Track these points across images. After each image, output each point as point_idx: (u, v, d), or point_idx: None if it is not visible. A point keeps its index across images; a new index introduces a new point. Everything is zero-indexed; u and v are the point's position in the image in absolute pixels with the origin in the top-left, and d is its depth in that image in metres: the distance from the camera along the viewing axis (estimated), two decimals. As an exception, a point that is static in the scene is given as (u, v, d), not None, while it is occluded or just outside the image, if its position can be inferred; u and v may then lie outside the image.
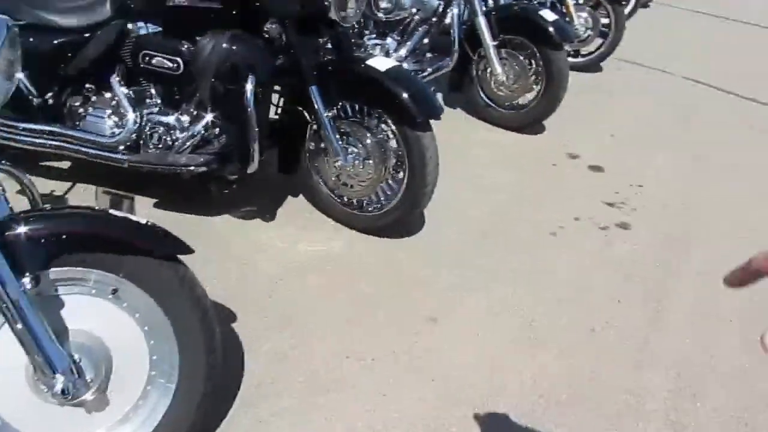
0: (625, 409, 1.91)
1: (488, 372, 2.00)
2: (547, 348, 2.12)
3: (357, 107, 2.43)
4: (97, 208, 1.55)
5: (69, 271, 1.38)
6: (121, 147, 2.42)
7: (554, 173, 3.35)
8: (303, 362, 1.94)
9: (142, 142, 2.41)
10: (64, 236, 1.36)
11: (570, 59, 4.00)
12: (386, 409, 1.82)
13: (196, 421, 1.49)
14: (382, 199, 2.53)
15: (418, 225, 2.68)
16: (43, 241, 1.34)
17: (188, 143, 2.36)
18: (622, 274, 2.55)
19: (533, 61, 3.61)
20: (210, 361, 1.49)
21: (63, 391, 1.32)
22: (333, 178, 2.56)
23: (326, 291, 2.26)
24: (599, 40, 4.82)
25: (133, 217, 1.47)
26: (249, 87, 2.19)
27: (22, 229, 1.32)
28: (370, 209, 2.56)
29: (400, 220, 2.52)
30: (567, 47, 3.73)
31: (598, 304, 2.36)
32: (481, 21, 3.53)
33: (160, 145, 2.38)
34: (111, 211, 1.49)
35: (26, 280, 1.30)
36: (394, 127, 2.38)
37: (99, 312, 1.44)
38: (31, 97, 2.43)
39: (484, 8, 3.58)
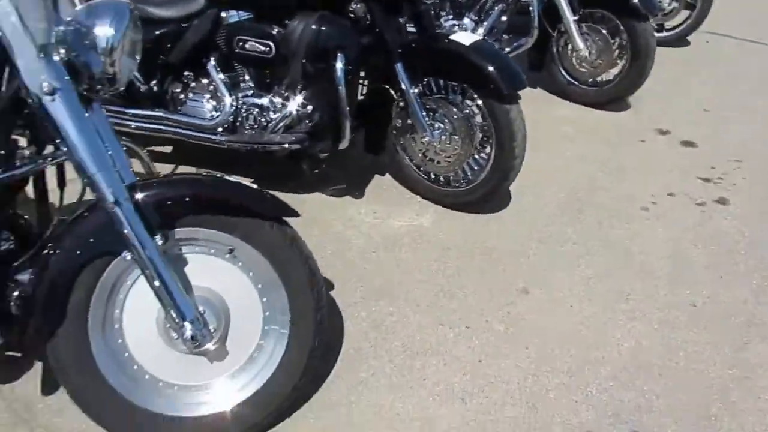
0: (733, 384, 1.85)
1: (584, 342, 1.98)
2: (645, 321, 2.08)
3: (442, 83, 2.45)
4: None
5: (191, 232, 1.49)
6: (219, 129, 2.54)
7: (644, 149, 3.24)
8: (399, 329, 1.99)
9: (238, 123, 2.53)
10: (187, 199, 1.46)
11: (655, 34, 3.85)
12: (482, 373, 1.84)
13: (306, 371, 1.57)
14: (468, 174, 2.54)
15: (505, 200, 2.67)
16: (169, 203, 1.44)
17: (281, 123, 2.45)
18: (723, 249, 2.45)
19: (617, 35, 3.51)
20: (318, 318, 1.57)
21: (192, 338, 1.43)
22: (419, 155, 2.59)
23: (418, 264, 2.30)
24: (685, 13, 4.61)
25: (245, 183, 1.56)
26: (339, 66, 2.26)
27: (151, 193, 1.43)
28: (456, 185, 2.57)
29: (488, 194, 2.52)
30: (651, 21, 3.59)
31: (699, 279, 2.28)
32: (561, -4, 3.46)
33: (256, 126, 2.49)
34: (226, 177, 1.59)
35: (157, 239, 1.41)
36: (480, 102, 2.38)
37: (217, 270, 1.54)
38: (137, 84, 2.61)
39: (564, -17, 3.50)
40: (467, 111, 2.44)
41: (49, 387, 1.76)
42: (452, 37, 2.36)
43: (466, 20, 3.61)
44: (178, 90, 2.65)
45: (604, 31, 3.53)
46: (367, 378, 1.81)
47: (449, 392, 1.78)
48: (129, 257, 1.42)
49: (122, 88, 1.51)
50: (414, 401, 1.74)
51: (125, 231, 1.37)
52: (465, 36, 2.36)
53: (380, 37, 2.36)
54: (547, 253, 2.39)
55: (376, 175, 2.85)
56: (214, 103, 2.58)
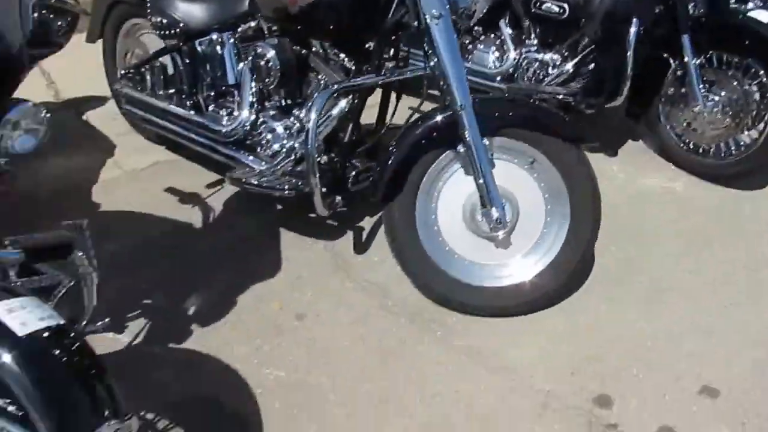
0: None
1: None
2: None
3: (725, 58, 2.55)
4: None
5: (506, 141, 1.89)
6: (499, 77, 2.93)
7: None
8: (646, 268, 2.21)
9: (516, 74, 2.89)
10: (511, 114, 1.86)
11: None
12: (728, 316, 2.00)
13: (577, 268, 1.92)
14: (733, 148, 2.62)
15: (764, 180, 2.69)
16: (497, 115, 1.86)
17: (556, 78, 2.76)
18: None
19: None
20: (594, 230, 1.88)
21: (497, 220, 1.84)
22: (683, 124, 2.72)
23: (667, 220, 2.47)
24: None
25: (552, 108, 1.91)
26: (633, 30, 2.48)
27: (486, 105, 1.86)
28: (718, 157, 2.66)
29: (750, 171, 2.59)
30: None
31: None
32: None
33: (533, 78, 2.83)
34: (536, 101, 1.95)
35: (485, 141, 1.83)
36: (765, 79, 2.45)
37: (517, 176, 1.93)
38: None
39: None
40: (747, 88, 2.52)
41: (359, 248, 2.33)
42: (750, 13, 2.45)
43: (750, 5, 3.52)
44: (467, 41, 3.07)
45: None
46: (615, 297, 2.08)
47: (694, 326, 1.97)
48: (462, 150, 1.85)
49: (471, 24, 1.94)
50: (658, 324, 1.98)
51: (464, 131, 1.80)
52: (763, 13, 2.43)
53: (672, 7, 2.53)
54: (806, 237, 2.40)
55: (630, 140, 3.03)
56: (498, 54, 2.96)
